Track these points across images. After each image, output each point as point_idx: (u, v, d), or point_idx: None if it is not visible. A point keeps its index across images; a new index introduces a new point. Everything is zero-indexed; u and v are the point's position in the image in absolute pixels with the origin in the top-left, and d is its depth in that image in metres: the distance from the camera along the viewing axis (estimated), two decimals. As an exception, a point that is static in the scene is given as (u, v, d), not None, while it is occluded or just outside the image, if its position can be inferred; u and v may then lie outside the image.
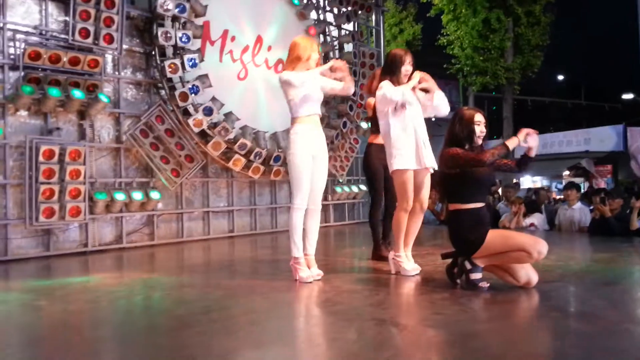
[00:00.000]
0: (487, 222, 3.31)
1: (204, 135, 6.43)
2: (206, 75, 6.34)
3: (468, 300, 3.05)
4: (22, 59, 5.12)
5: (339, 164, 8.22)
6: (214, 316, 2.87)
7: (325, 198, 3.94)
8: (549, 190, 12.21)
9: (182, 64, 6.08)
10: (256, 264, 5.03)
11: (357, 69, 8.44)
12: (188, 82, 6.19)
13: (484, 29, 13.86)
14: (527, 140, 3.33)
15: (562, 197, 9.82)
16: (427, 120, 3.98)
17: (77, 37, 5.37)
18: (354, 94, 8.29)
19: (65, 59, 5.31)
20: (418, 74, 3.84)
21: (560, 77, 30.09)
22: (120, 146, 6.02)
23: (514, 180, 11.44)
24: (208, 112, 6.32)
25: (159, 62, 6.11)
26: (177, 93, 6.09)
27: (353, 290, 3.40)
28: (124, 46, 5.91)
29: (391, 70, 3.86)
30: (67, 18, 5.51)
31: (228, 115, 6.66)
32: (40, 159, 5.12)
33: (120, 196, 5.71)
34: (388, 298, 3.29)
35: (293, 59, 3.75)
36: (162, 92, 6.30)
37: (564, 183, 13.41)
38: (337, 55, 8.43)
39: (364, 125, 8.66)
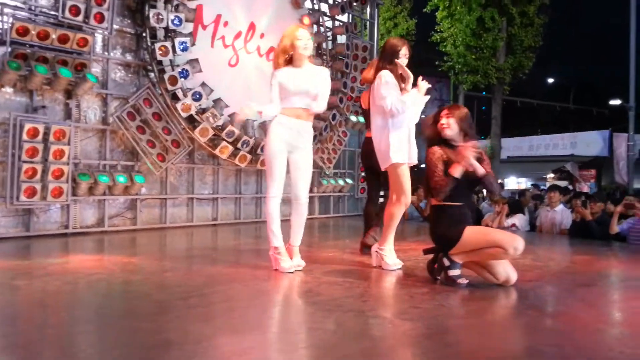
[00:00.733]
0: (467, 221, 3.31)
1: (191, 121, 6.38)
2: (197, 60, 6.28)
3: (446, 295, 3.09)
4: (9, 34, 5.02)
5: (327, 156, 8.20)
6: (193, 302, 2.86)
7: (311, 190, 3.93)
8: (540, 189, 12.30)
9: (173, 47, 6.01)
10: (238, 253, 5.03)
11: (349, 61, 8.42)
12: (178, 65, 6.13)
13: (477, 28, 13.89)
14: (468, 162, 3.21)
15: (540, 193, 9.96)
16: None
17: (67, 14, 5.29)
18: (344, 86, 8.28)
19: (54, 36, 5.23)
20: (424, 85, 3.86)
21: (551, 80, 30.36)
22: (107, 128, 5.94)
23: (498, 180, 11.51)
24: (197, 97, 6.28)
25: (149, 44, 6.04)
26: (166, 76, 6.04)
27: (334, 282, 3.41)
28: (115, 26, 5.83)
29: (390, 59, 3.85)
30: (57, -6, 5.41)
31: (217, 101, 6.61)
32: (24, 137, 5.04)
33: (104, 179, 5.65)
34: (368, 290, 3.31)
35: (279, 53, 3.78)
36: (152, 74, 6.23)
37: (547, 185, 13.57)
38: (329, 46, 8.40)
39: (354, 118, 8.65)
